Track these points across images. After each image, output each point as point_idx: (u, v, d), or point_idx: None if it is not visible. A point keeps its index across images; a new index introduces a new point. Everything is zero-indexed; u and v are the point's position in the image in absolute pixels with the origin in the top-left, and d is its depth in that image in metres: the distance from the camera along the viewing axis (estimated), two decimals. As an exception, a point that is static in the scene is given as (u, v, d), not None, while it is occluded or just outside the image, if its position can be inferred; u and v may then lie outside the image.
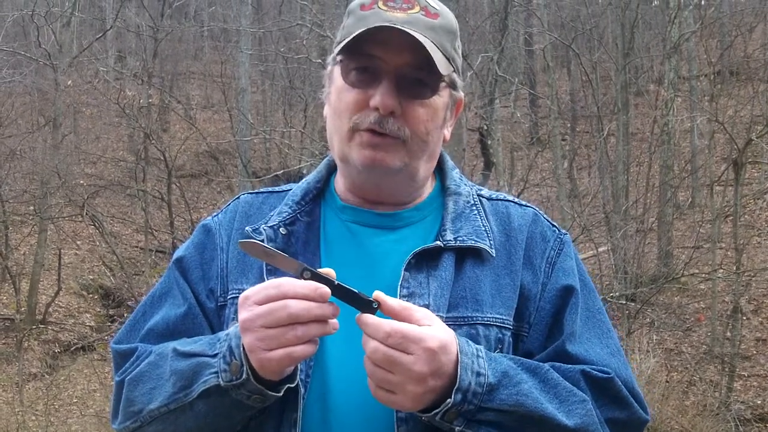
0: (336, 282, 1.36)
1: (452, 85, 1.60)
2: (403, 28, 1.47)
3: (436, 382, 1.35)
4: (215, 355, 1.44)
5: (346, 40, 1.50)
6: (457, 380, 1.36)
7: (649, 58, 19.28)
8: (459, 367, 1.37)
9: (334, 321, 1.36)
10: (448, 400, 1.36)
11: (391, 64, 1.51)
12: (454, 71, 1.59)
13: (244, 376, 1.39)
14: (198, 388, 1.45)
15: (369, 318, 1.35)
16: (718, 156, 16.23)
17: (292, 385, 1.43)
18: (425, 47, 1.47)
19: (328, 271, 1.38)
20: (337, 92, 1.58)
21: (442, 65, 1.50)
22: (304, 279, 1.35)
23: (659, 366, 10.42)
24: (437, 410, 1.37)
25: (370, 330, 1.34)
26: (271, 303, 1.34)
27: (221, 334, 1.48)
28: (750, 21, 17.48)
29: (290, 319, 1.32)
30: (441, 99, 1.57)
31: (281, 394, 1.42)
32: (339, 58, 1.56)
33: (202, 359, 1.46)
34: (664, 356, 11.36)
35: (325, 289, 1.33)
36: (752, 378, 11.74)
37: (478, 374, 1.39)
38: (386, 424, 1.45)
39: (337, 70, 1.58)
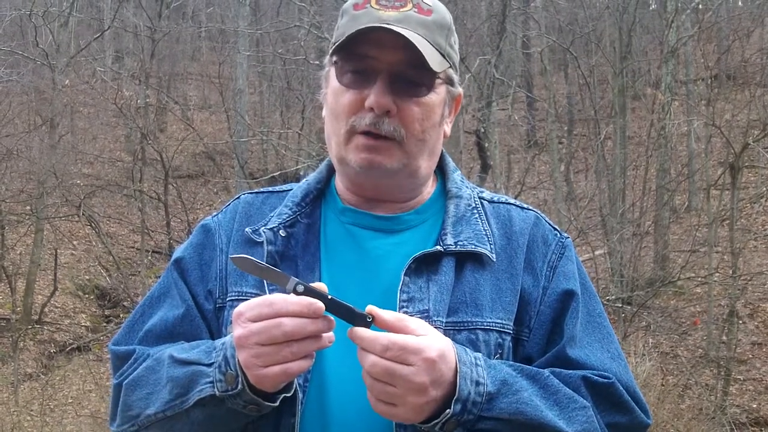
0: (329, 296, 1.34)
1: (449, 81, 1.58)
2: (393, 28, 1.45)
3: (437, 391, 1.34)
4: (211, 365, 1.43)
5: (339, 42, 1.50)
6: (457, 390, 1.35)
7: (646, 62, 19.27)
8: (458, 377, 1.35)
9: (330, 334, 1.34)
10: (448, 410, 1.35)
11: (384, 63, 1.49)
12: (450, 67, 1.57)
13: (239, 386, 1.38)
14: (194, 396, 1.45)
15: (364, 332, 1.33)
16: (714, 160, 16.23)
17: (289, 395, 1.42)
18: (417, 46, 1.45)
19: (319, 286, 1.36)
20: (333, 94, 1.56)
21: (435, 62, 1.48)
22: (297, 294, 1.34)
23: (655, 369, 10.40)
24: (437, 420, 1.36)
25: (366, 344, 1.32)
26: (264, 321, 1.32)
27: (217, 343, 1.47)
28: (747, 25, 17.49)
29: (285, 337, 1.31)
30: (437, 96, 1.55)
31: (277, 403, 1.41)
32: (334, 59, 1.55)
33: (198, 368, 1.45)
34: (659, 360, 11.35)
35: (319, 305, 1.32)
36: (748, 382, 11.75)
37: (477, 383, 1.37)
38: (385, 430, 1.44)
39: (333, 72, 1.57)
